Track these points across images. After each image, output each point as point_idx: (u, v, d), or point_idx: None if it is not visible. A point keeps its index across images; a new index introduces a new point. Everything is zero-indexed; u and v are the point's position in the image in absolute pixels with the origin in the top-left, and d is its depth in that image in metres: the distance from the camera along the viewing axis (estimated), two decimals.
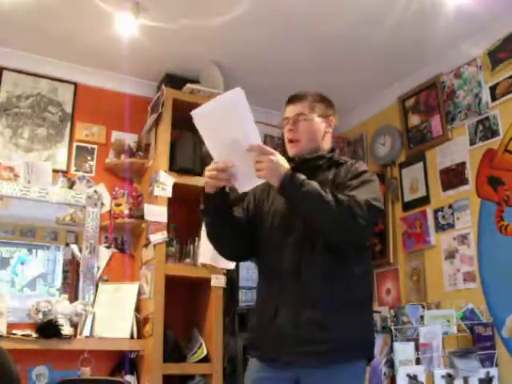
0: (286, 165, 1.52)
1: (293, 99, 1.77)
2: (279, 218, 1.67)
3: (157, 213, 2.81)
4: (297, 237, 1.61)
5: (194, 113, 1.52)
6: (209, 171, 1.57)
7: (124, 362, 2.72)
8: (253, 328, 1.69)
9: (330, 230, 1.53)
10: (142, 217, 2.87)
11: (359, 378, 1.56)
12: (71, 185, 3.00)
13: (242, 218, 1.76)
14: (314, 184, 1.51)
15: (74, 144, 3.12)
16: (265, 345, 1.59)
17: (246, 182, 1.59)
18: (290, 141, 1.72)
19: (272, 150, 1.52)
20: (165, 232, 2.80)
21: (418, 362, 2.38)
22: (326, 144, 1.76)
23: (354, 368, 1.53)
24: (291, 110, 1.74)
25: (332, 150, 1.77)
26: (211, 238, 1.75)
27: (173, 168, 2.91)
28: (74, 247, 2.91)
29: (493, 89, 2.82)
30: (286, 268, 1.59)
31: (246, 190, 1.64)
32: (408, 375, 2.30)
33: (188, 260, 2.91)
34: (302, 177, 1.51)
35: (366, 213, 1.49)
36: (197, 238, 2.93)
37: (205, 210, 1.66)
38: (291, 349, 1.51)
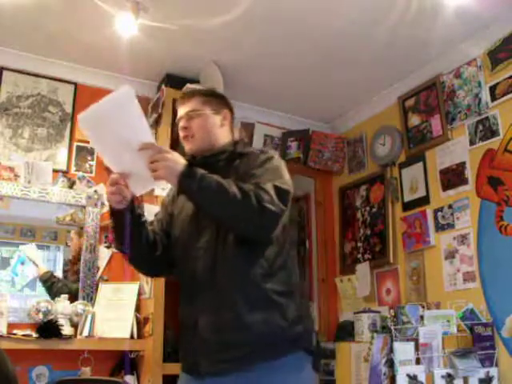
0: (182, 161, 1.45)
1: (183, 98, 1.74)
2: (188, 222, 1.62)
3: None
4: (207, 238, 1.54)
5: (79, 116, 1.45)
6: (109, 186, 1.50)
7: (124, 361, 2.72)
8: (180, 341, 1.63)
9: (238, 222, 1.46)
10: None
11: (294, 371, 1.46)
12: (71, 185, 3.00)
13: (158, 230, 1.70)
14: (215, 177, 1.44)
15: (75, 144, 3.12)
16: (190, 356, 1.52)
17: (142, 185, 1.52)
18: (185, 137, 1.68)
19: (166, 148, 1.47)
20: None
21: (417, 361, 2.38)
22: (225, 137, 1.72)
23: (285, 363, 1.44)
24: (183, 108, 1.70)
25: (235, 143, 1.71)
26: (130, 256, 1.66)
27: None
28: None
29: (493, 89, 2.82)
30: (200, 274, 1.53)
31: (142, 193, 1.57)
32: (408, 375, 2.30)
33: None
34: (201, 171, 1.45)
35: (273, 197, 1.43)
36: None
37: (116, 226, 1.59)
38: (215, 357, 1.45)
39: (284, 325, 1.46)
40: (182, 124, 1.69)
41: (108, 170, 1.56)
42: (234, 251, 1.50)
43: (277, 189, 1.46)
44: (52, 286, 2.83)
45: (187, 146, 1.69)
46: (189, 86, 3.05)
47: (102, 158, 1.53)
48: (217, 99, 1.75)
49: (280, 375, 1.43)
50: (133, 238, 1.58)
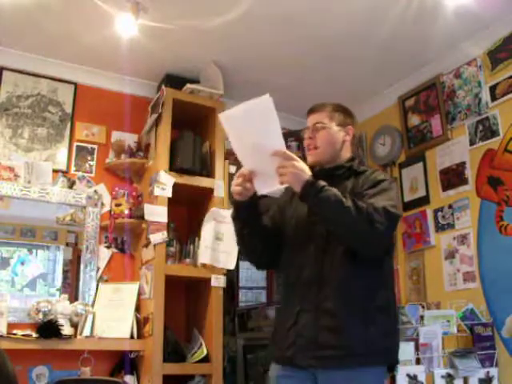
0: (308, 171, 1.57)
1: (312, 109, 1.84)
2: (301, 225, 1.72)
3: (157, 213, 2.81)
4: (318, 244, 1.65)
5: (222, 114, 1.59)
6: (236, 179, 1.64)
7: (124, 361, 2.72)
8: (275, 333, 1.74)
9: (349, 236, 1.58)
10: (142, 217, 2.87)
11: (374, 381, 1.58)
12: (71, 185, 3.00)
13: (270, 225, 1.80)
14: (335, 190, 1.55)
15: (74, 144, 3.12)
16: (285, 348, 1.63)
17: (266, 185, 1.63)
18: (309, 148, 1.79)
19: (295, 157, 1.57)
20: (165, 232, 2.80)
21: (418, 362, 2.38)
22: (346, 153, 1.81)
23: (369, 374, 1.55)
24: (310, 120, 1.81)
25: (352, 159, 1.81)
26: (240, 244, 1.82)
27: (173, 168, 2.91)
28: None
29: (493, 89, 2.82)
30: (307, 276, 1.64)
31: (264, 193, 1.67)
32: (408, 375, 2.30)
33: (188, 260, 2.91)
34: (323, 183, 1.55)
35: (383, 219, 1.53)
36: (197, 238, 2.93)
37: (235, 218, 1.74)
38: (309, 352, 1.56)
39: (376, 337, 1.56)
40: (307, 134, 1.80)
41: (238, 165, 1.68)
42: (340, 262, 1.61)
43: (388, 212, 1.55)
44: None
45: (310, 158, 1.79)
46: (189, 86, 3.05)
47: (236, 153, 1.65)
48: (344, 114, 1.85)
49: (362, 382, 1.54)
50: (248, 229, 1.73)
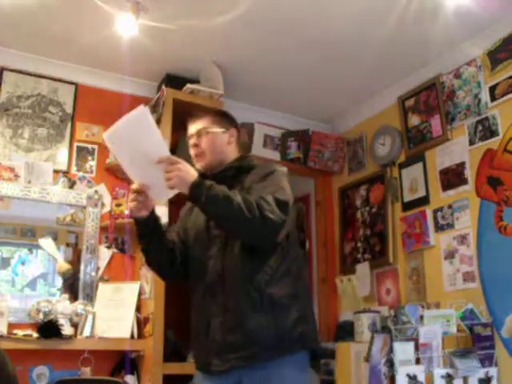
0: (194, 173, 1.59)
1: (193, 117, 1.89)
2: (200, 231, 1.76)
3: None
4: (217, 247, 1.69)
5: (105, 134, 1.63)
6: (130, 195, 1.67)
7: (124, 361, 2.72)
8: (193, 342, 1.77)
9: (241, 230, 1.59)
10: None
11: (296, 369, 1.60)
12: (72, 185, 3.00)
13: (175, 239, 1.84)
14: (222, 187, 1.58)
15: (75, 144, 3.12)
16: (203, 355, 1.66)
17: (161, 194, 1.67)
18: (196, 155, 1.81)
19: (179, 160, 1.59)
20: None
21: (417, 361, 2.38)
22: (233, 154, 1.84)
23: (289, 362, 1.58)
24: (193, 128, 1.85)
25: (240, 159, 1.84)
26: (149, 262, 1.84)
27: None
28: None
29: (492, 89, 2.82)
30: (210, 281, 1.68)
31: (162, 201, 1.76)
32: (408, 375, 2.30)
33: None
34: (210, 182, 1.58)
35: (273, 207, 1.55)
36: None
37: (139, 236, 1.75)
38: (224, 356, 1.58)
39: (287, 326, 1.58)
40: (192, 141, 1.82)
41: (129, 183, 1.70)
42: (240, 259, 1.63)
43: (277, 200, 1.58)
44: (73, 283, 2.84)
45: (198, 163, 1.80)
46: (189, 86, 3.06)
47: (125, 171, 1.69)
48: (225, 118, 1.88)
49: (283, 372, 1.57)
50: (154, 244, 1.75)
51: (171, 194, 1.65)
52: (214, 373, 1.62)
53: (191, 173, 1.58)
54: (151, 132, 1.59)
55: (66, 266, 2.87)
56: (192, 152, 1.83)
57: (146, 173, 1.63)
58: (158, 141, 1.60)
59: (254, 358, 1.56)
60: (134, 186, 1.66)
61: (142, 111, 1.58)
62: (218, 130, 1.82)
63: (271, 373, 1.56)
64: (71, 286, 2.85)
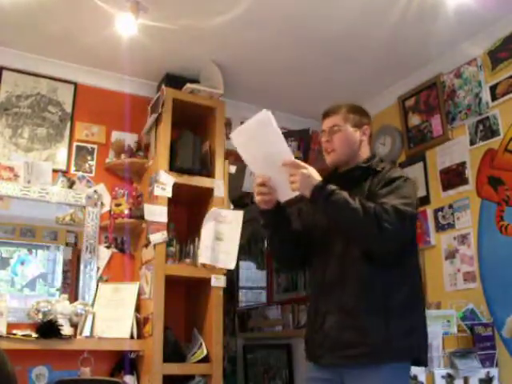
0: (317, 177, 1.63)
1: (327, 112, 1.88)
2: (323, 230, 1.78)
3: (157, 213, 2.81)
4: (339, 248, 1.71)
5: (232, 135, 1.73)
6: (254, 187, 1.73)
7: (124, 362, 2.71)
8: (306, 333, 1.82)
9: (358, 237, 1.64)
10: (142, 217, 2.87)
11: (397, 377, 1.62)
12: (71, 185, 3.00)
13: (300, 229, 1.87)
14: (343, 193, 1.60)
15: (74, 144, 3.11)
16: (316, 349, 1.73)
17: (285, 194, 1.72)
18: (326, 151, 1.84)
19: (304, 164, 1.64)
20: (165, 232, 2.79)
21: None
22: (364, 152, 1.85)
23: (392, 368, 1.59)
24: (326, 123, 1.86)
25: (370, 159, 1.84)
26: (272, 251, 1.94)
27: (173, 168, 2.91)
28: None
29: (493, 89, 2.82)
30: (330, 279, 1.72)
31: (283, 201, 1.77)
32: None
33: (188, 260, 2.90)
34: (333, 187, 1.61)
35: (393, 218, 1.55)
36: (197, 238, 2.93)
37: (264, 226, 1.82)
38: (335, 352, 1.64)
39: (398, 334, 1.60)
40: (324, 138, 1.85)
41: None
42: (359, 263, 1.66)
43: (398, 211, 1.57)
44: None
45: (328, 159, 1.85)
46: (189, 85, 3.05)
47: (249, 167, 1.79)
48: (359, 115, 1.88)
49: (383, 378, 1.58)
50: (279, 235, 1.82)
51: (293, 195, 1.70)
52: (323, 365, 1.70)
53: (314, 177, 1.63)
54: (275, 135, 1.64)
55: None
56: (323, 146, 1.86)
57: (270, 173, 1.70)
58: (281, 143, 1.65)
59: (361, 357, 1.59)
60: (258, 180, 1.71)
61: (267, 115, 1.63)
62: (350, 127, 1.83)
63: (371, 376, 1.58)
64: None
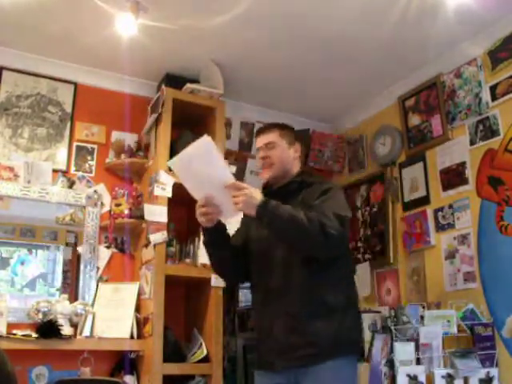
0: (258, 195, 1.74)
1: (262, 130, 2.04)
2: (264, 242, 1.90)
3: (157, 213, 2.81)
4: (279, 258, 1.84)
5: (171, 162, 1.82)
6: (198, 210, 1.80)
7: (124, 362, 2.71)
8: (256, 342, 1.93)
9: (305, 245, 1.73)
10: (142, 217, 2.87)
11: (346, 370, 1.76)
12: (71, 185, 3.00)
13: (239, 245, 1.99)
14: (287, 207, 1.72)
15: (74, 144, 3.11)
16: (266, 355, 1.83)
17: (229, 215, 1.84)
18: (264, 166, 1.97)
19: (245, 185, 1.75)
20: (165, 232, 2.79)
21: (418, 362, 2.38)
22: (296, 168, 2.01)
23: (341, 363, 1.73)
24: (262, 140, 2.00)
25: (301, 173, 2.00)
26: (214, 267, 2.04)
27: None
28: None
29: (493, 88, 2.82)
30: (273, 287, 1.83)
31: (230, 222, 1.90)
32: (408, 375, 2.30)
33: (188, 260, 2.90)
34: (275, 202, 1.73)
35: (334, 223, 1.69)
36: (197, 238, 2.92)
37: (207, 243, 1.93)
38: (285, 355, 1.74)
39: (342, 332, 1.74)
40: (262, 154, 1.98)
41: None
42: (299, 269, 1.79)
43: (337, 216, 1.72)
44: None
45: (265, 174, 1.97)
46: (189, 85, 3.05)
47: (189, 192, 1.82)
48: (291, 133, 2.05)
49: (338, 373, 1.72)
50: (220, 250, 1.93)
51: (237, 214, 1.82)
52: (274, 371, 1.78)
53: (257, 196, 1.73)
54: (216, 159, 1.73)
55: None
56: (260, 163, 1.99)
57: (213, 194, 1.78)
58: (222, 168, 1.75)
59: (309, 358, 1.70)
60: (200, 202, 1.79)
61: (207, 141, 1.71)
62: (285, 144, 1.98)
63: (326, 373, 1.69)
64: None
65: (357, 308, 1.92)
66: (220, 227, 1.88)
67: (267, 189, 1.99)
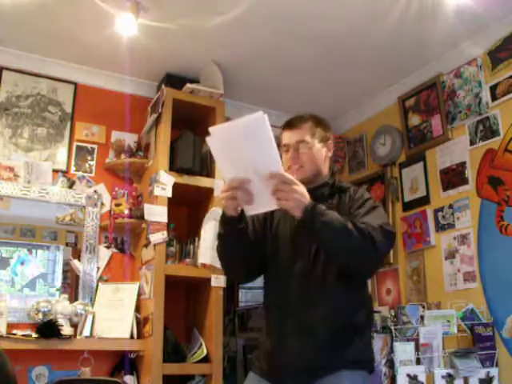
0: (307, 196, 1.50)
1: (292, 125, 1.74)
2: (287, 242, 1.68)
3: (157, 213, 2.81)
4: (305, 264, 1.61)
5: (212, 129, 1.48)
6: (225, 192, 1.52)
7: (124, 362, 2.71)
8: (264, 351, 1.69)
9: (353, 258, 1.53)
10: (142, 217, 2.87)
11: (361, 381, 1.59)
12: (71, 185, 3.00)
13: (253, 238, 1.72)
14: (335, 213, 1.52)
15: (74, 144, 3.11)
16: (275, 369, 1.61)
17: (260, 207, 1.56)
18: (291, 168, 1.70)
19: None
20: (165, 232, 2.79)
21: (418, 362, 2.38)
22: (327, 168, 1.78)
23: (357, 375, 1.56)
24: (291, 137, 1.72)
25: (332, 174, 1.79)
26: (229, 262, 1.74)
27: (173, 168, 2.91)
28: (75, 262, 2.90)
29: (493, 89, 2.82)
30: (292, 297, 1.61)
31: (253, 214, 1.63)
32: (408, 375, 2.30)
33: (188, 260, 2.90)
34: (323, 207, 1.51)
35: (382, 238, 1.52)
36: (197, 238, 2.93)
37: (225, 234, 1.64)
38: (299, 378, 1.55)
39: (362, 348, 1.59)
40: (290, 154, 1.71)
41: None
42: (326, 284, 1.58)
43: (385, 231, 1.54)
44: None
45: (294, 175, 1.64)
46: (189, 85, 3.05)
47: (221, 170, 1.57)
48: (324, 129, 1.77)
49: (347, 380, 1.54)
50: (239, 244, 1.65)
51: (271, 208, 1.56)
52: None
53: (306, 196, 1.49)
54: (266, 141, 1.43)
55: None
56: (289, 163, 1.71)
57: (249, 179, 1.49)
58: (272, 153, 1.44)
59: (325, 372, 1.54)
60: (232, 184, 1.49)
61: (261, 117, 1.43)
62: (317, 144, 1.72)
63: (341, 380, 1.53)
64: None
65: (371, 326, 1.76)
66: (242, 218, 1.60)
67: None
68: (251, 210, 1.56)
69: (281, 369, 1.59)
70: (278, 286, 1.68)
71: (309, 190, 1.59)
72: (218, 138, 1.49)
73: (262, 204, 1.53)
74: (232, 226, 1.60)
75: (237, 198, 1.51)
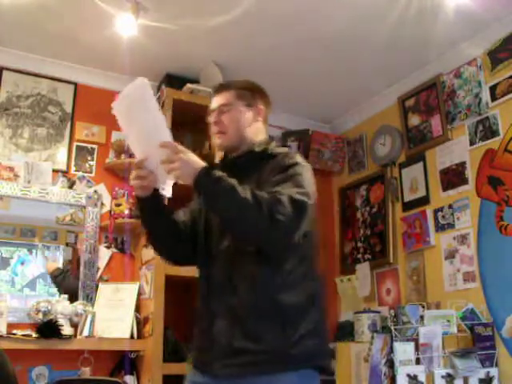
0: (199, 162, 1.39)
1: (218, 89, 1.65)
2: (212, 222, 1.57)
3: None
4: (229, 243, 1.49)
5: (113, 104, 1.44)
6: (132, 172, 1.50)
7: (124, 362, 2.71)
8: (194, 337, 1.59)
9: (247, 232, 1.40)
10: None
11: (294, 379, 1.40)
12: (71, 185, 3.00)
13: (185, 220, 1.66)
14: (231, 181, 1.36)
15: (74, 144, 3.12)
16: (203, 355, 1.51)
17: (163, 182, 1.51)
18: (214, 133, 1.61)
19: (183, 148, 1.39)
20: None
21: (418, 362, 2.38)
22: (257, 135, 1.63)
23: (291, 378, 1.39)
24: (216, 101, 1.63)
25: (266, 143, 1.63)
26: (150, 241, 1.69)
27: None
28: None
29: (493, 89, 2.82)
30: (217, 277, 1.50)
31: (163, 188, 1.56)
32: (408, 375, 2.30)
33: None
34: (219, 173, 1.37)
35: (288, 209, 1.34)
36: None
37: (140, 216, 1.59)
38: (226, 360, 1.41)
39: (294, 339, 1.39)
40: (212, 118, 1.61)
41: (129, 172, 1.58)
42: (251, 259, 1.44)
43: (293, 200, 1.36)
44: (63, 280, 2.84)
45: (218, 142, 1.62)
46: (189, 85, 3.05)
47: (129, 145, 1.54)
48: (252, 92, 1.67)
49: None
50: (157, 225, 1.58)
51: (171, 183, 1.50)
52: (213, 376, 1.45)
53: (196, 163, 1.38)
54: (152, 110, 1.38)
55: (53, 266, 2.88)
56: (212, 129, 1.62)
57: (148, 153, 1.44)
58: (158, 122, 1.38)
59: (255, 366, 1.38)
60: (137, 160, 1.48)
61: (143, 82, 1.37)
62: (241, 106, 1.61)
63: None
64: (60, 283, 2.86)
65: (320, 312, 1.52)
66: (156, 197, 1.54)
67: (222, 160, 1.63)
68: (160, 188, 1.52)
69: (209, 352, 1.46)
70: (200, 269, 1.60)
71: (233, 159, 1.55)
72: (118, 114, 1.44)
73: (163, 178, 1.47)
74: (142, 206, 1.55)
75: (143, 176, 1.47)
